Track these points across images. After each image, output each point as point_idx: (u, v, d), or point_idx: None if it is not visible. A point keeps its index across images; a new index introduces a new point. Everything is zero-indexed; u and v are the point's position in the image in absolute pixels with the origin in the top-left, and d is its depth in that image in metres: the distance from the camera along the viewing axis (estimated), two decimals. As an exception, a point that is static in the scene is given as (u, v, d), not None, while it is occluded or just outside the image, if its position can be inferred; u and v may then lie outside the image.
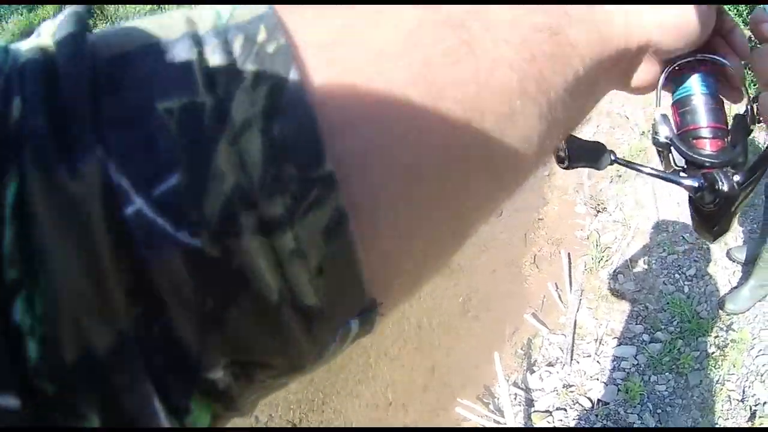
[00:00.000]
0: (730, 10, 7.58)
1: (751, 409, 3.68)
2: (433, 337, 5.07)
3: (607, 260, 5.31)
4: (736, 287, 4.52)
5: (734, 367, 3.92)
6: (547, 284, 5.37)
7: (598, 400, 4.09)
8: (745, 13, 8.03)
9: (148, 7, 14.90)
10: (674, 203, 5.85)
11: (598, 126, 8.65)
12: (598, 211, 6.24)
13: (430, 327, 5.20)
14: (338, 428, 4.69)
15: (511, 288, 5.56)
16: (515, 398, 4.32)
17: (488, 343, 4.84)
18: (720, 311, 4.39)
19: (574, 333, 4.67)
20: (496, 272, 5.80)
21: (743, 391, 3.77)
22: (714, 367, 3.97)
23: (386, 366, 4.86)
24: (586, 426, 4.07)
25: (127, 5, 17.26)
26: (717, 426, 3.77)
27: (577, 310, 4.88)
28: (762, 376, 3.88)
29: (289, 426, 4.70)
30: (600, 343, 4.51)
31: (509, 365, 4.63)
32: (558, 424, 4.13)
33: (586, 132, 8.51)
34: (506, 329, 5.00)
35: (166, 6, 16.26)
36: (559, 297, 5.19)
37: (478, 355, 4.82)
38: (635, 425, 3.89)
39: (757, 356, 3.98)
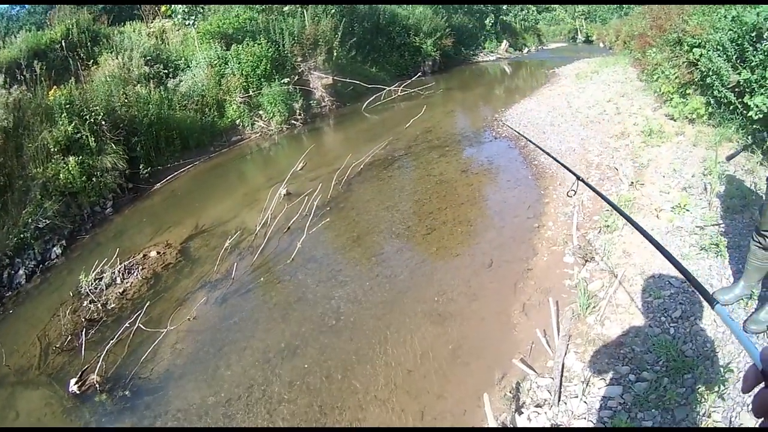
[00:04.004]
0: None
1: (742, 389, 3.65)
2: (423, 382, 5.09)
3: (594, 307, 5.35)
4: (753, 312, 4.57)
5: (720, 399, 3.90)
6: (535, 331, 5.41)
7: (586, 439, 4.07)
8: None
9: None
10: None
11: (588, 178, 8.76)
12: (587, 261, 6.31)
13: (420, 372, 5.22)
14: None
15: (500, 335, 5.59)
16: (503, 439, 4.30)
17: (477, 388, 4.85)
18: (705, 348, 4.41)
19: (561, 375, 4.68)
20: (486, 320, 5.85)
21: (730, 421, 3.75)
22: (700, 401, 3.96)
23: (377, 409, 4.86)
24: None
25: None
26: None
27: (565, 354, 4.90)
28: (749, 406, 3.85)
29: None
30: (587, 384, 4.50)
31: (498, 407, 4.63)
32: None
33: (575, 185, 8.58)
34: (495, 374, 5.02)
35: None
36: (547, 342, 5.22)
37: (467, 399, 4.82)
38: (622, 459, 3.88)
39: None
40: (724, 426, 3.74)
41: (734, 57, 8.71)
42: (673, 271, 5.47)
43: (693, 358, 4.32)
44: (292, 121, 16.59)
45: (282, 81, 16.31)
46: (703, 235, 6.04)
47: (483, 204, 9.33)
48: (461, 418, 4.66)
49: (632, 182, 7.91)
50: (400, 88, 19.77)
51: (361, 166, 11.31)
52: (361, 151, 11.89)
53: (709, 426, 3.76)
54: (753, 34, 8.25)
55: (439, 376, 5.15)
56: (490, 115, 16.25)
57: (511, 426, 4.37)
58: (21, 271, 8.03)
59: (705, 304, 4.69)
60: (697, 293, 4.99)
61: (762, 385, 1.17)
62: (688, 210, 6.63)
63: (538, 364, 5.01)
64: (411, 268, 7.20)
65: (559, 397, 4.47)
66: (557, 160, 3.04)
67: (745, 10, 8.63)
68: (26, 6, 21.18)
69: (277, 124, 16.13)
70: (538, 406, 4.50)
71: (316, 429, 4.70)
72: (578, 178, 2.62)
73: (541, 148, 3.95)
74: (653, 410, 4.03)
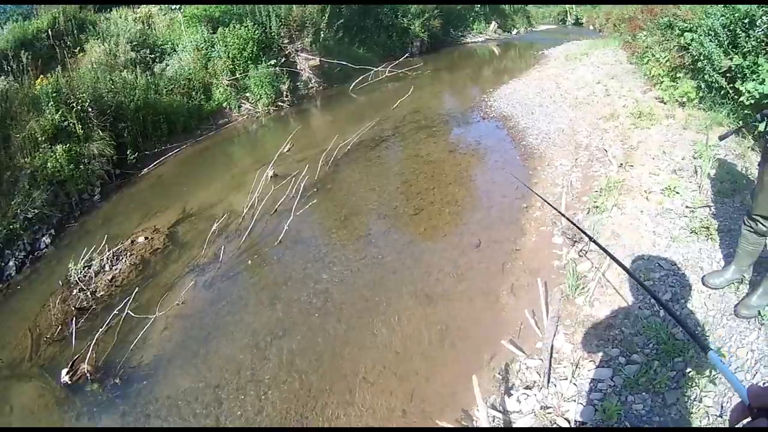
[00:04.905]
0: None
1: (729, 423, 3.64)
2: (411, 364, 5.09)
3: (583, 288, 5.35)
4: (745, 296, 4.58)
5: (711, 384, 3.89)
6: (524, 311, 5.40)
7: (576, 421, 4.06)
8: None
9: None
10: (650, 232, 5.89)
11: (577, 159, 8.73)
12: (575, 241, 6.29)
13: (408, 354, 5.22)
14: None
15: (488, 316, 5.60)
16: (493, 420, 4.28)
17: (466, 369, 4.84)
18: (695, 332, 4.40)
19: (550, 357, 4.67)
20: (474, 301, 5.85)
21: (721, 407, 3.74)
22: (691, 385, 3.95)
23: (366, 391, 4.85)
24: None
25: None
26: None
27: (554, 335, 4.89)
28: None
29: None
30: (576, 366, 4.50)
31: (487, 389, 4.62)
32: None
33: (563, 165, 8.59)
34: (484, 356, 5.02)
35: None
36: (536, 324, 5.21)
37: (456, 381, 4.82)
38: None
39: (734, 372, 3.94)
40: (715, 411, 3.73)
41: (726, 42, 8.71)
42: (664, 254, 5.49)
43: (683, 342, 4.32)
44: (279, 103, 16.44)
45: (269, 63, 16.17)
46: (693, 217, 6.04)
47: (471, 184, 9.32)
48: (450, 399, 4.67)
49: (621, 164, 7.90)
50: (388, 68, 19.61)
51: (349, 147, 11.26)
52: (349, 132, 11.84)
53: (702, 414, 3.75)
54: (746, 21, 8.25)
55: (427, 358, 5.17)
56: (478, 96, 16.19)
57: (501, 408, 4.36)
58: (11, 263, 7.94)
59: (695, 286, 4.73)
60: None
61: (749, 419, 1.28)
62: (678, 192, 6.63)
63: (527, 346, 5.02)
64: (398, 249, 7.21)
65: (549, 379, 4.47)
66: (577, 226, 3.04)
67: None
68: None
69: (264, 106, 15.98)
70: (527, 387, 4.50)
71: (314, 429, 4.68)
72: (590, 238, 2.62)
73: (563, 214, 3.93)
74: (643, 393, 4.03)
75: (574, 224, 2.77)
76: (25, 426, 5.09)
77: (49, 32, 14.79)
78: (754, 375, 3.88)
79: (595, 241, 2.19)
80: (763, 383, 3.82)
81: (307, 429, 4.66)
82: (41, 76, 11.38)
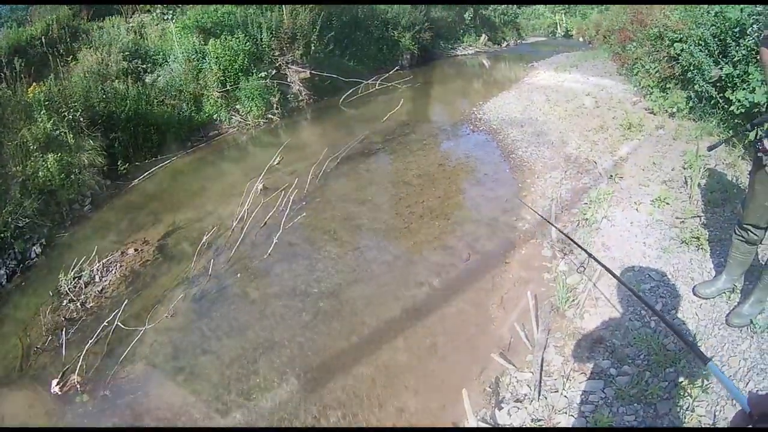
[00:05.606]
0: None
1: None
2: (401, 378, 5.08)
3: (573, 300, 5.34)
4: (736, 305, 4.59)
5: (704, 393, 3.89)
6: (514, 325, 5.40)
7: (566, 433, 4.05)
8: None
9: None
10: (640, 243, 5.90)
11: (566, 171, 8.74)
12: (565, 254, 6.28)
13: (397, 368, 5.20)
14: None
15: (478, 329, 5.59)
16: (483, 434, 4.27)
17: (456, 383, 4.83)
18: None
19: (541, 370, 4.67)
20: (463, 314, 5.85)
21: (714, 415, 3.73)
22: (683, 395, 3.95)
23: (355, 406, 4.84)
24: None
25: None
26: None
27: (544, 348, 4.89)
28: (732, 399, 3.83)
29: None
30: (567, 378, 4.49)
31: (477, 402, 4.61)
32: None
33: (553, 177, 8.60)
34: (474, 369, 5.01)
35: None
36: (526, 336, 5.20)
37: (445, 395, 4.80)
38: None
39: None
40: (708, 420, 3.73)
41: (716, 52, 8.76)
42: (654, 264, 5.50)
43: (675, 352, 4.33)
44: (269, 116, 16.38)
45: (259, 75, 16.16)
46: (683, 228, 6.05)
47: (460, 197, 9.29)
48: (440, 413, 4.64)
49: (611, 175, 7.91)
50: (378, 81, 19.60)
51: (338, 160, 11.24)
52: (338, 145, 11.86)
53: (695, 423, 3.75)
54: (736, 30, 8.31)
55: (417, 372, 5.14)
56: (468, 109, 16.16)
57: (491, 422, 4.35)
58: (1, 271, 7.89)
59: (686, 296, 4.72)
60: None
61: (750, 426, 1.31)
62: (668, 203, 6.65)
63: (517, 359, 5.01)
64: (388, 263, 7.18)
65: (539, 391, 4.45)
66: (572, 240, 3.04)
67: (727, 8, 8.72)
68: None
69: (254, 119, 15.93)
70: (518, 401, 4.48)
71: (314, 429, 4.66)
72: (590, 255, 2.62)
73: (560, 230, 3.95)
74: (635, 404, 4.02)
75: (572, 240, 2.76)
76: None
77: (43, 39, 14.74)
78: (747, 383, 3.89)
79: (593, 257, 2.18)
80: (757, 391, 3.82)
81: (304, 429, 4.65)
82: (34, 83, 11.36)
